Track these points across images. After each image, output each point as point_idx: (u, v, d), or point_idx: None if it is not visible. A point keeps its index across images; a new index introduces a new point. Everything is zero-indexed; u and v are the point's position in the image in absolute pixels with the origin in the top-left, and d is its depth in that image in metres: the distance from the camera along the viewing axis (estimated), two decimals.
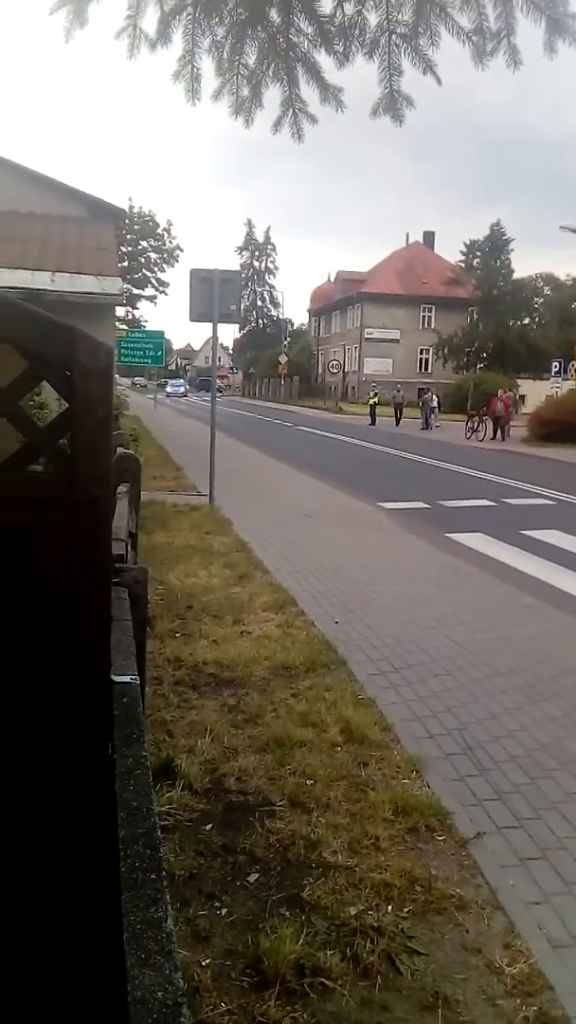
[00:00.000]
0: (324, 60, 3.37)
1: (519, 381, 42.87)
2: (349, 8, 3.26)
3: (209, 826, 3.08)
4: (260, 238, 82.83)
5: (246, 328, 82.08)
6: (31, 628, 1.42)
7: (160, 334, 27.09)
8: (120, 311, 27.02)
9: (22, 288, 10.17)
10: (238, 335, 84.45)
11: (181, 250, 38.55)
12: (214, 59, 3.41)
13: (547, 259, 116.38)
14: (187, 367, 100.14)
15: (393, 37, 3.24)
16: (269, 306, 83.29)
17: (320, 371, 62.26)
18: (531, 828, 3.17)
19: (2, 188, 12.43)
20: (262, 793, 3.32)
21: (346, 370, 57.19)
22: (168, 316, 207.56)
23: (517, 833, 3.14)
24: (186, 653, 4.89)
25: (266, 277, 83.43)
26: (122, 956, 0.85)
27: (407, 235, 64.33)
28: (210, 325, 11.25)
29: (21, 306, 1.42)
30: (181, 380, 75.59)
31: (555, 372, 33.21)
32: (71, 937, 1.32)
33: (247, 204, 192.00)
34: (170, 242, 38.53)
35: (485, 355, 47.35)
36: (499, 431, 27.03)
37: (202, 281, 10.85)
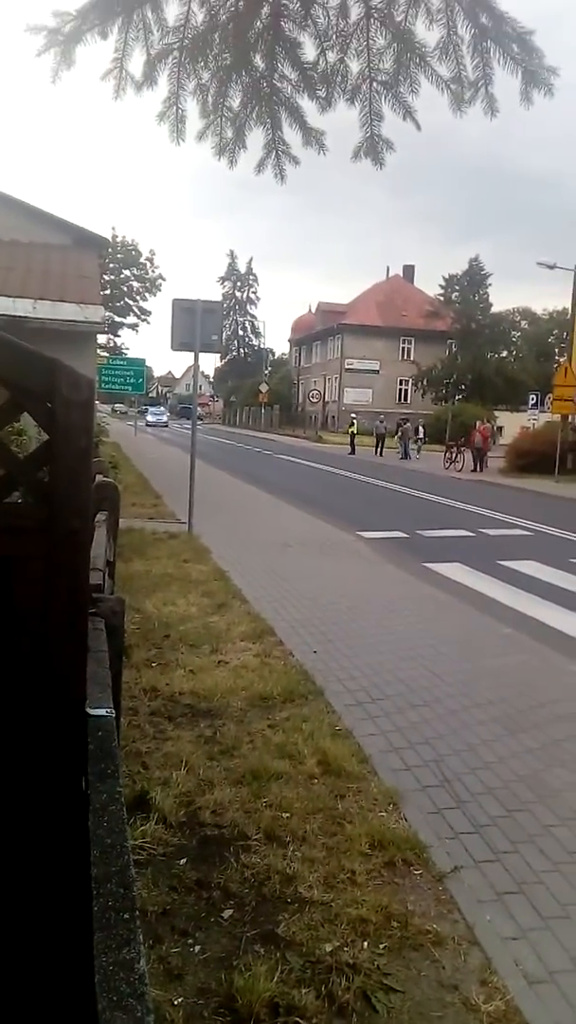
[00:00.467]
0: (307, 105, 3.46)
1: (496, 413, 43.51)
2: (332, 56, 3.36)
3: (183, 860, 3.03)
4: (242, 268, 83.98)
5: (227, 357, 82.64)
6: (8, 660, 1.41)
7: (141, 362, 27.24)
8: (102, 338, 27.09)
9: (3, 315, 10.19)
10: (219, 363, 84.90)
11: (164, 279, 38.62)
12: (199, 101, 3.49)
13: (524, 294, 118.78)
14: (168, 395, 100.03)
15: (374, 84, 3.34)
16: (250, 335, 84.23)
17: (300, 400, 62.73)
18: (508, 862, 3.16)
19: None
20: (238, 826, 3.28)
21: (326, 399, 57.78)
22: (150, 344, 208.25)
23: (494, 867, 3.12)
24: (162, 683, 4.84)
25: (248, 307, 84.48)
26: (93, 999, 0.84)
27: (387, 268, 65.76)
28: (191, 353, 11.32)
29: (1, 337, 1.43)
30: (162, 408, 71.85)
31: (532, 404, 33.72)
32: (41, 976, 1.30)
33: (230, 235, 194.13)
34: (153, 271, 38.72)
35: (463, 387, 48.05)
36: (478, 462, 27.32)
37: (184, 311, 10.93)
